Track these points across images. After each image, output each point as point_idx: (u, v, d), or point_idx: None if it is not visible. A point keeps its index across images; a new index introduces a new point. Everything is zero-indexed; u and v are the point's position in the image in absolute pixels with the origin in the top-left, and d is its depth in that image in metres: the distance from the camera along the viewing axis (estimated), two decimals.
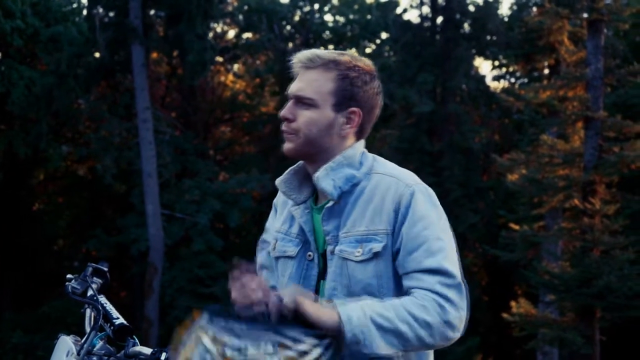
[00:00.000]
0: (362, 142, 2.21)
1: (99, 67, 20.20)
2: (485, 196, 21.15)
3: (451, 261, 2.04)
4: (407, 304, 1.98)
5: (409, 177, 2.13)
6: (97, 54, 20.25)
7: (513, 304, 14.51)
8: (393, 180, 2.11)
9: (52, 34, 19.47)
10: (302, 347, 1.86)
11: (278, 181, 2.24)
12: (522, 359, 21.28)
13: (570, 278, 13.27)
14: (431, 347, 2.02)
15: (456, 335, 2.00)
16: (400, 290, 2.06)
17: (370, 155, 2.22)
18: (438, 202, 2.13)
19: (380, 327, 1.94)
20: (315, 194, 2.22)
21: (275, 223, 2.31)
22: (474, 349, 20.16)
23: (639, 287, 13.21)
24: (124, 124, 20.39)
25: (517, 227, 15.00)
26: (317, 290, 2.15)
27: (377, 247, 2.06)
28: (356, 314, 1.94)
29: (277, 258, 2.27)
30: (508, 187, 15.87)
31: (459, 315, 1.99)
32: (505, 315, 14.33)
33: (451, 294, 1.99)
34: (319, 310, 1.94)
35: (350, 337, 1.92)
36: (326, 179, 2.12)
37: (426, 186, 2.14)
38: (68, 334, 2.60)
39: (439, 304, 1.98)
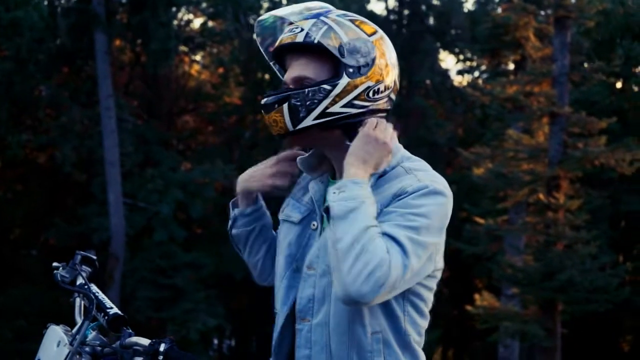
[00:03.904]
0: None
1: (60, 53, 19.84)
2: None
3: (412, 250, 1.95)
4: (378, 237, 1.94)
5: (432, 177, 2.07)
6: (58, 40, 19.89)
7: (477, 297, 14.66)
8: (412, 176, 2.07)
9: (12, 19, 19.04)
10: None
11: (299, 160, 2.24)
12: (483, 352, 21.51)
13: (533, 272, 13.45)
14: (341, 270, 1.92)
15: (362, 291, 1.89)
16: None
17: (399, 147, 2.17)
18: (445, 215, 2.04)
19: (352, 211, 1.95)
20: (334, 169, 2.21)
21: (294, 189, 2.32)
22: (435, 341, 20.33)
23: (600, 281, 13.45)
24: (85, 112, 20.08)
25: (482, 221, 15.13)
26: None
27: None
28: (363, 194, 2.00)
29: (283, 221, 2.27)
30: (472, 181, 16.00)
31: (382, 285, 1.89)
32: (469, 307, 14.46)
33: (396, 269, 1.91)
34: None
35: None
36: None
37: (448, 195, 2.05)
38: (57, 324, 2.50)
39: (386, 259, 1.91)
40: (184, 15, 23.65)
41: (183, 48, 23.09)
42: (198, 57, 25.12)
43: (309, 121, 2.08)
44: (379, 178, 2.09)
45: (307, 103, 2.08)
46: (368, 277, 1.89)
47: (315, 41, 2.06)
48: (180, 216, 20.58)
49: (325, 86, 2.07)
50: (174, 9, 21.35)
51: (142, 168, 20.19)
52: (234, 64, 22.89)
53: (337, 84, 2.07)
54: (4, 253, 21.42)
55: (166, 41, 19.22)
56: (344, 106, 2.08)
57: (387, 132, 2.10)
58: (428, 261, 2.03)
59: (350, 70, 2.07)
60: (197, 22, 24.23)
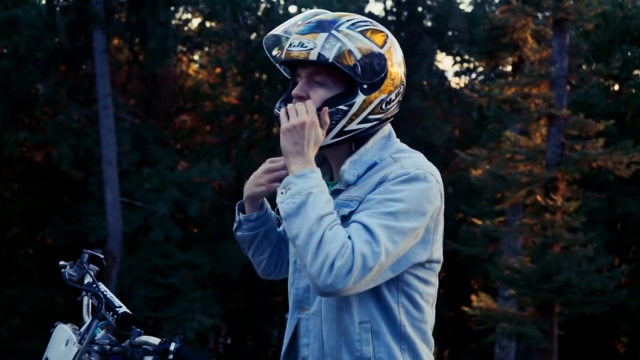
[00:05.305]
0: (386, 129, 2.19)
1: (59, 51, 19.82)
2: (445, 191, 21.30)
3: (385, 235, 1.94)
4: (334, 225, 1.94)
5: (416, 164, 2.07)
6: (57, 39, 19.86)
7: (474, 297, 14.67)
8: (397, 164, 2.07)
9: (11, 17, 19.01)
10: None
11: None
12: (478, 353, 21.53)
13: (530, 273, 13.47)
14: (305, 265, 1.94)
15: (327, 282, 1.90)
16: None
17: (396, 142, 2.18)
18: (428, 200, 2.02)
19: (301, 207, 1.95)
20: (331, 171, 2.22)
21: None
22: None
23: (596, 283, 13.47)
24: (83, 110, 20.05)
25: (479, 222, 15.14)
26: None
27: (345, 211, 2.05)
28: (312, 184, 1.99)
29: None
30: (469, 182, 16.02)
31: (347, 274, 1.90)
32: (466, 308, 14.47)
33: (362, 255, 1.91)
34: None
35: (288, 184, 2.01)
36: (350, 170, 2.12)
37: (430, 181, 2.03)
38: (65, 322, 2.50)
39: (347, 246, 1.91)
40: (182, 14, 23.65)
41: (181, 47, 23.07)
42: (196, 57, 25.12)
43: (327, 140, 2.11)
44: (369, 169, 2.10)
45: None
46: (330, 268, 1.90)
47: (330, 60, 2.04)
48: (177, 215, 20.56)
49: (341, 107, 2.08)
50: (172, 8, 21.34)
51: (140, 167, 20.18)
52: (231, 64, 22.86)
53: (353, 103, 2.08)
54: (0, 251, 21.38)
55: (164, 40, 19.21)
56: (360, 122, 2.10)
57: (300, 109, 2.07)
58: (419, 247, 2.02)
59: (365, 87, 2.07)
60: (195, 22, 24.21)
